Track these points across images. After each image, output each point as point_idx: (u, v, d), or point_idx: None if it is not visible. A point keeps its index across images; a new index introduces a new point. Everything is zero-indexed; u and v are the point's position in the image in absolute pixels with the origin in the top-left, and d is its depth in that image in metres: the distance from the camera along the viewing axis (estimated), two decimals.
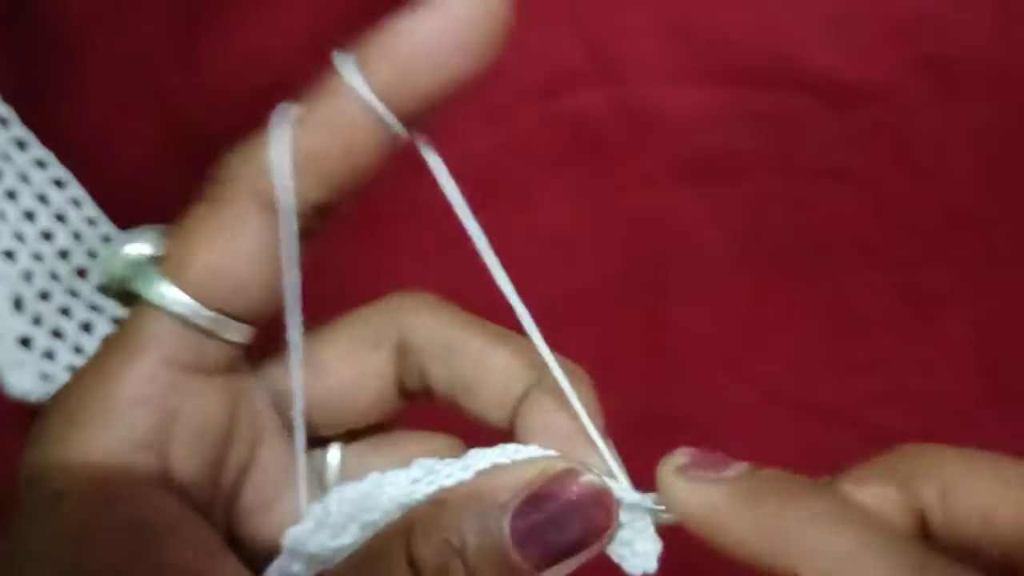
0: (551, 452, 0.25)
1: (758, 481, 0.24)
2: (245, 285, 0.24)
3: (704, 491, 0.24)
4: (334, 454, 0.28)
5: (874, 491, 0.24)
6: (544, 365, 0.26)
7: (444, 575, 0.22)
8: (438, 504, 0.24)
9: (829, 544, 0.22)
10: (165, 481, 0.24)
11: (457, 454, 0.25)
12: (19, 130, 0.51)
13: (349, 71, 0.24)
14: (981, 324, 0.46)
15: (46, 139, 0.52)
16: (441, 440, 0.28)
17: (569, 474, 0.24)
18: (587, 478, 0.24)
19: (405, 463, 0.25)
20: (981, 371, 0.46)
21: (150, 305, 0.24)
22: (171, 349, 0.24)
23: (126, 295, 0.25)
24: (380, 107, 0.24)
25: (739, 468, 0.24)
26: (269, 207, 0.24)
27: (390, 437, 0.29)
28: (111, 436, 0.23)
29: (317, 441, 0.28)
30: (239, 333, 0.25)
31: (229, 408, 0.25)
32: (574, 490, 0.24)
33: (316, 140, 0.24)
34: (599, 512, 0.24)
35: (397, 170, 0.53)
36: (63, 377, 0.47)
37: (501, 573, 0.23)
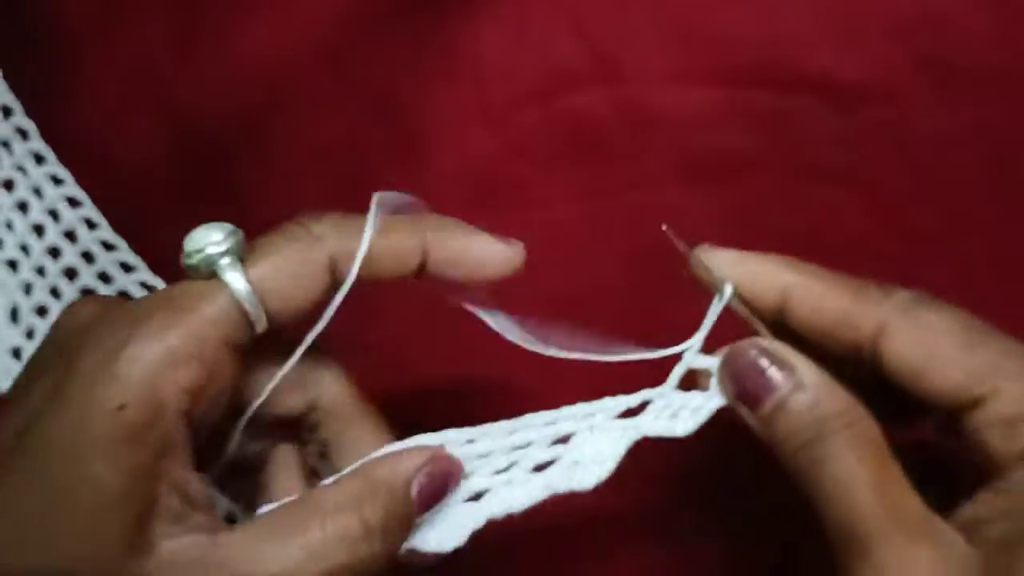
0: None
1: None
2: (288, 299, 0.33)
3: (756, 258, 0.35)
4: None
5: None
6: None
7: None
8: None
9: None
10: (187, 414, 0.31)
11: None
12: (38, 143, 0.52)
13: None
14: None
15: (46, 139, 0.52)
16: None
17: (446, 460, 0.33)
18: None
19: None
20: None
21: (221, 284, 0.32)
22: (223, 320, 0.32)
23: (197, 271, 0.32)
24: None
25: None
26: (332, 272, 0.33)
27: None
28: (168, 379, 0.31)
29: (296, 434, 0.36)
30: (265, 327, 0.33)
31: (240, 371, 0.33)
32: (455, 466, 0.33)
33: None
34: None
35: (393, 160, 0.53)
36: None
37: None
